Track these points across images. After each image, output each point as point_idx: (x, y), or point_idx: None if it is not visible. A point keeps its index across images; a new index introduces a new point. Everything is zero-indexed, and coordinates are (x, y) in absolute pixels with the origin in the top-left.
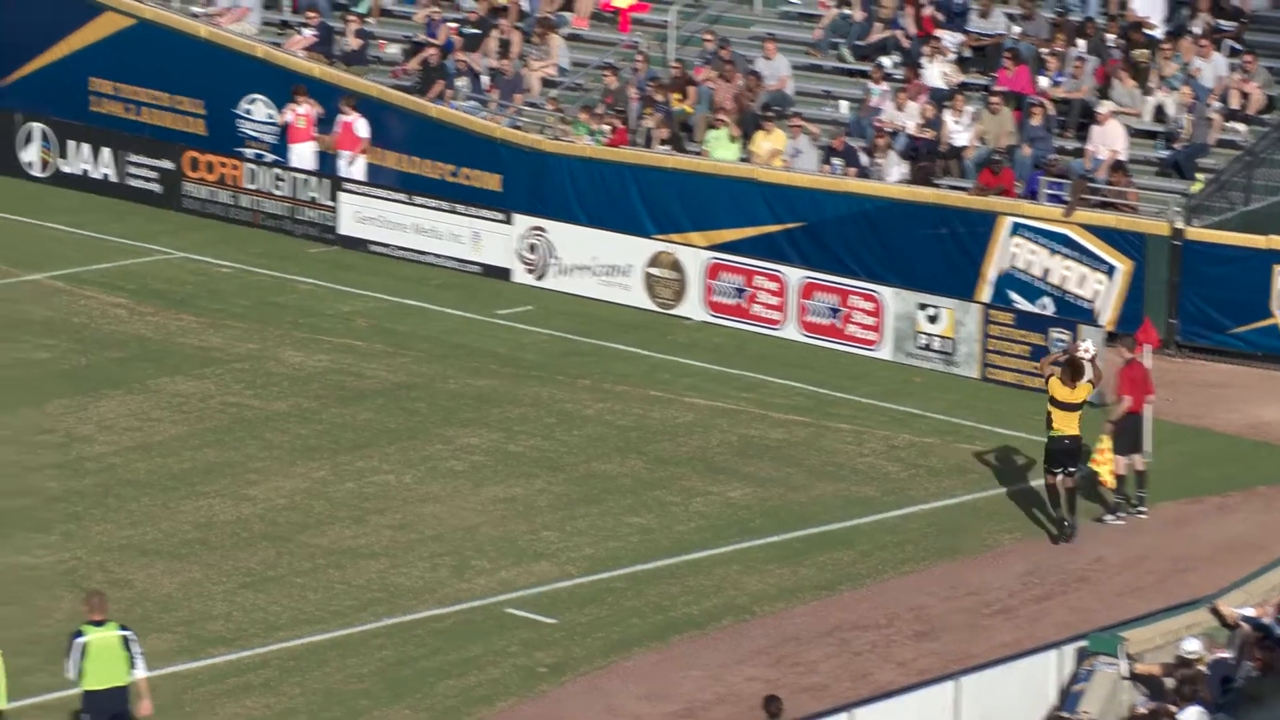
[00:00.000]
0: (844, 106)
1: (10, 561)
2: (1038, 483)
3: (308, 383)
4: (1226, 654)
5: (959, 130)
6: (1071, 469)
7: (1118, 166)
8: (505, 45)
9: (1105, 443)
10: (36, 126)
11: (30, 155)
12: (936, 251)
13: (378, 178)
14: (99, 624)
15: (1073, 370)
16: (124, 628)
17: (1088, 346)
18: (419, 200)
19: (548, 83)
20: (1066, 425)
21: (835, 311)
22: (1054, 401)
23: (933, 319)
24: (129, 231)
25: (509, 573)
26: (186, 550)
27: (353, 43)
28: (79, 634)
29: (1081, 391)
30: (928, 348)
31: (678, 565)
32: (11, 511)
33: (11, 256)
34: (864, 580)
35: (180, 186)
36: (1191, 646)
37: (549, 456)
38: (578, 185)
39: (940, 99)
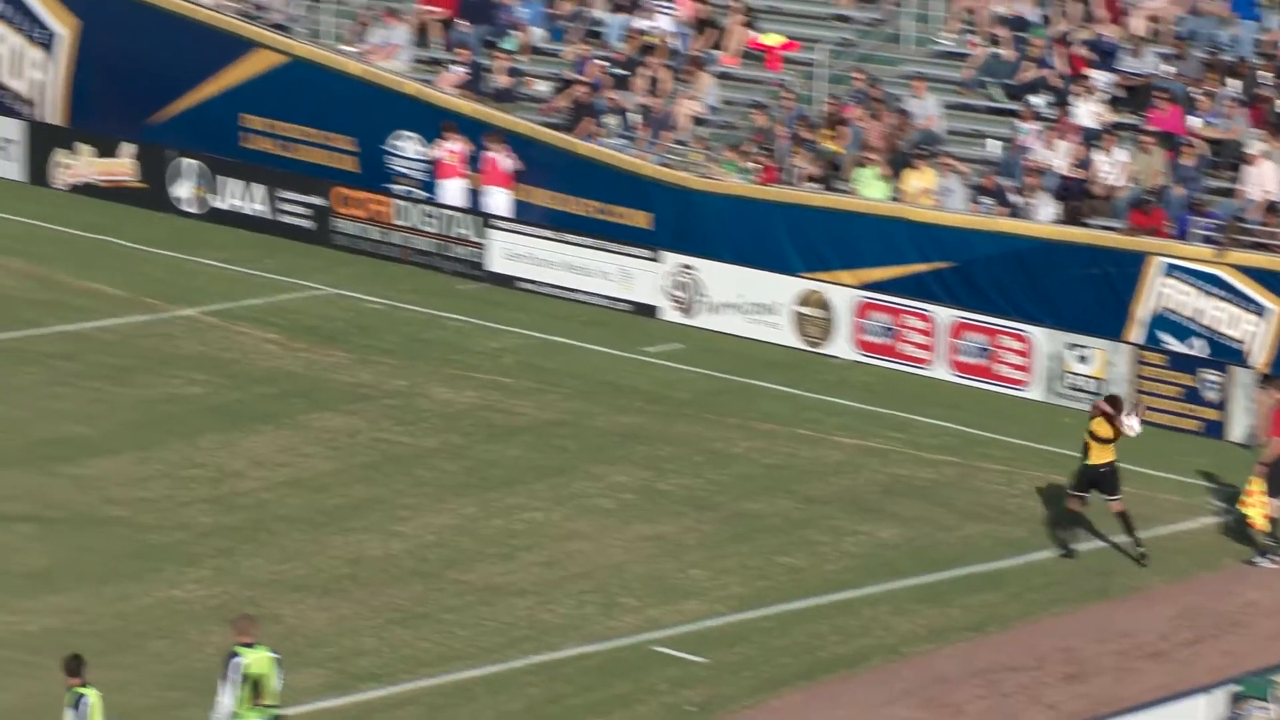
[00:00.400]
0: (994, 146)
1: (162, 595)
2: (1188, 525)
3: (457, 419)
4: None
5: (1109, 170)
6: (1115, 495)
7: (1270, 207)
8: (654, 83)
9: (1256, 484)
10: (189, 163)
11: (183, 191)
12: (1087, 291)
13: (526, 215)
14: (250, 646)
15: (1114, 408)
16: (273, 651)
17: (1133, 425)
18: (567, 237)
19: (697, 120)
20: (1103, 455)
21: (985, 351)
22: (1094, 436)
23: (1083, 359)
24: (280, 267)
25: (657, 611)
26: (336, 586)
27: (502, 80)
28: (235, 655)
29: (1118, 429)
30: (1078, 388)
31: (826, 605)
32: (163, 545)
33: (164, 292)
34: (1013, 622)
35: (331, 222)
36: None
37: (697, 495)
38: (726, 223)
39: (1091, 139)
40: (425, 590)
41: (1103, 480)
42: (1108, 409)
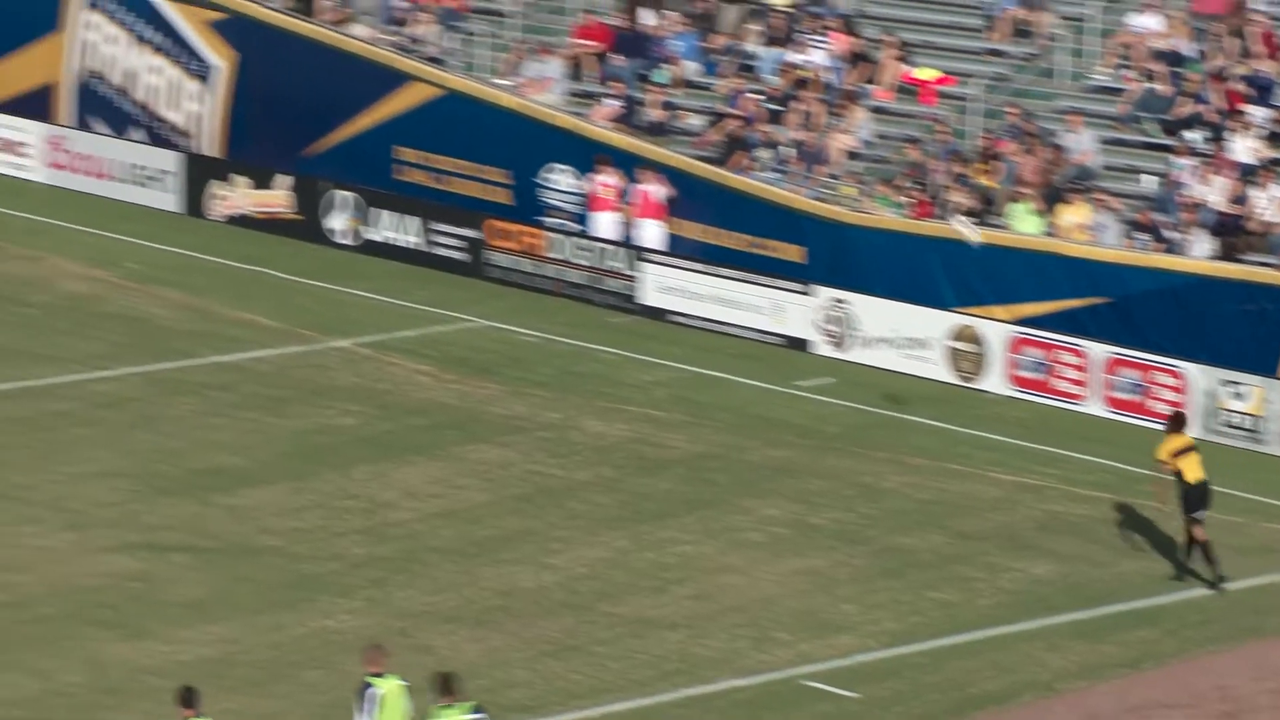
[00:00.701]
0: (1149, 181)
1: (315, 626)
2: None
3: (609, 452)
4: None
5: (1266, 206)
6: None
7: None
8: (808, 117)
9: None
10: (344, 195)
11: (337, 223)
12: (1242, 327)
13: (679, 248)
14: (380, 675)
15: (1178, 422)
16: (402, 679)
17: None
18: (720, 270)
19: (850, 155)
20: (1200, 469)
21: (1139, 387)
22: (1179, 452)
23: (1239, 396)
24: (433, 299)
25: (809, 645)
26: (488, 617)
27: (655, 113)
28: (369, 685)
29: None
30: (1233, 425)
31: (979, 641)
32: (317, 576)
33: (319, 323)
34: (1168, 659)
35: (484, 255)
36: None
37: (849, 529)
38: (879, 257)
39: (1247, 174)
40: (577, 622)
41: (1206, 496)
42: (1175, 423)
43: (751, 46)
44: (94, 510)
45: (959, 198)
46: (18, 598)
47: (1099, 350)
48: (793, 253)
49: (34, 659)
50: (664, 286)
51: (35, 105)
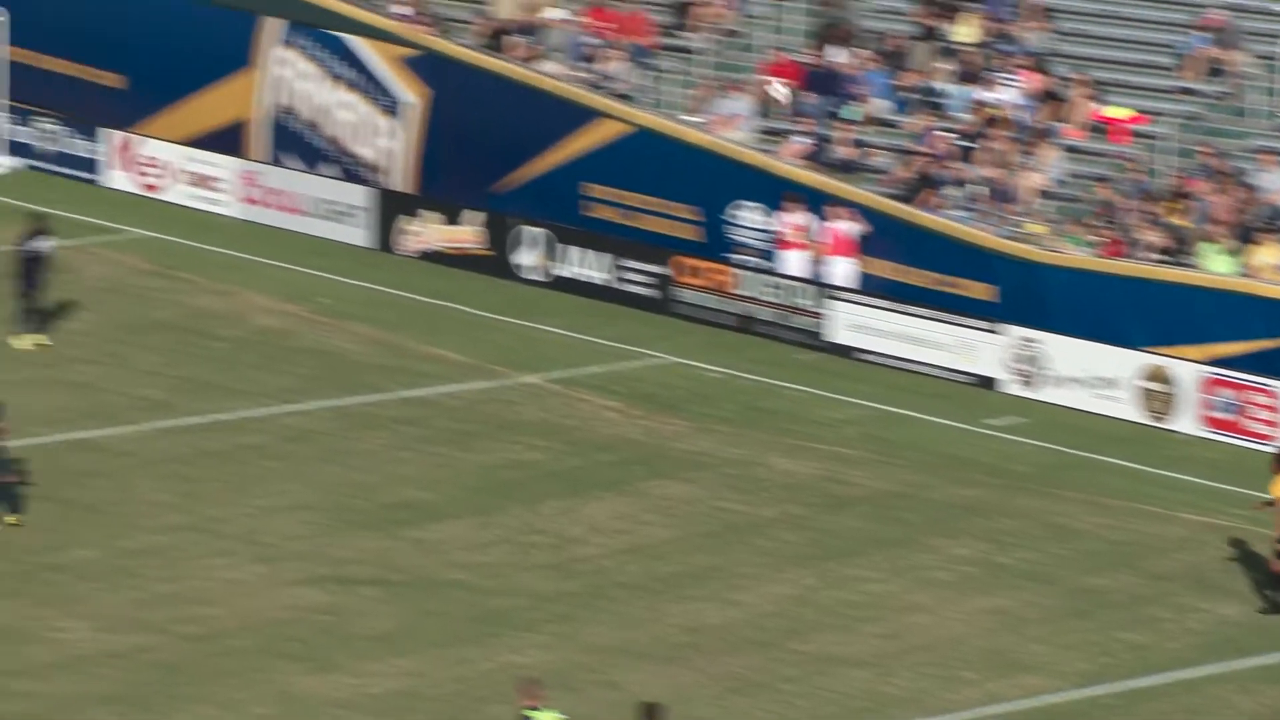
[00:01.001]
0: None
1: (502, 661)
2: None
3: (796, 489)
4: None
5: None
6: None
7: None
8: (998, 155)
9: None
10: (533, 230)
11: (525, 259)
12: None
13: (868, 285)
14: (536, 709)
15: None
16: (560, 713)
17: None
18: (908, 308)
19: (1040, 193)
20: None
21: None
22: None
23: None
24: (621, 335)
25: (997, 685)
26: (675, 654)
27: (845, 150)
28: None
29: None
30: None
31: (1170, 683)
32: (504, 610)
33: (507, 358)
34: None
35: (672, 291)
36: None
37: (1039, 569)
38: (1069, 296)
39: None
40: (764, 660)
41: None
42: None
43: (941, 84)
44: (284, 543)
45: (1150, 236)
46: (209, 630)
47: None
48: (982, 291)
49: (224, 691)
50: (852, 324)
51: (228, 141)
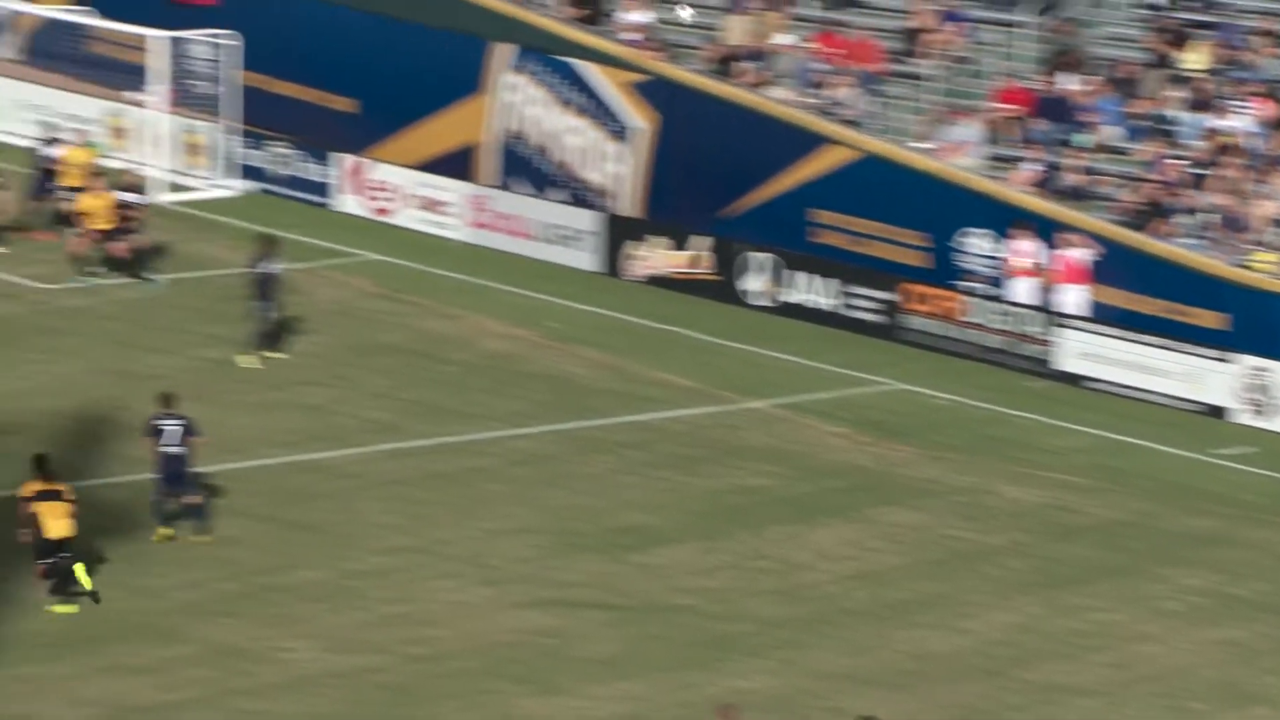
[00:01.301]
0: None
1: (728, 686)
2: None
3: (1023, 517)
4: None
5: None
6: None
7: None
8: (1230, 183)
9: None
10: (760, 256)
11: (752, 284)
12: None
13: (1098, 313)
14: None
15: None
16: None
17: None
18: (1138, 336)
19: (1274, 222)
20: None
21: None
22: None
23: None
24: (848, 361)
25: (1226, 716)
26: (902, 681)
27: (1074, 178)
28: None
29: None
30: None
31: None
32: (729, 635)
33: (734, 384)
34: None
35: (899, 318)
36: None
37: (1272, 600)
38: None
39: None
40: (990, 688)
41: None
42: None
43: (1173, 111)
44: (509, 566)
45: None
46: (434, 651)
47: None
48: (1213, 320)
49: (449, 713)
50: (1082, 352)
51: (457, 165)
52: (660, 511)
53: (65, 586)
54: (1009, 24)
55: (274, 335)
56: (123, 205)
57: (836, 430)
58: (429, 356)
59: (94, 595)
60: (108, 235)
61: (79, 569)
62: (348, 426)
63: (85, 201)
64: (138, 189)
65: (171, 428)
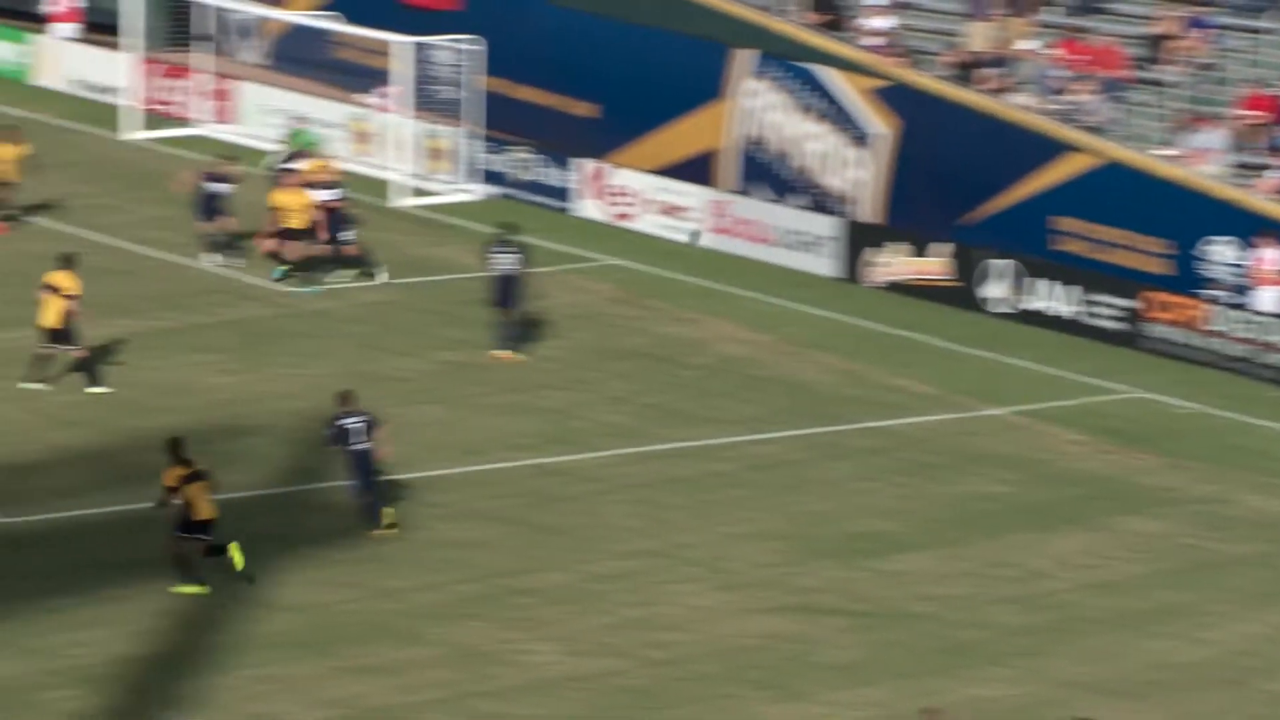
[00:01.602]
0: None
1: (968, 694)
2: None
3: (1268, 527)
4: None
5: None
6: None
7: None
8: None
9: None
10: (1001, 263)
11: (993, 291)
12: None
13: None
14: None
15: None
16: None
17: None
18: None
19: None
20: None
21: None
22: None
23: None
24: (1089, 369)
25: None
26: (1143, 691)
27: None
28: None
29: None
30: None
31: None
32: (969, 643)
33: (973, 390)
34: None
35: (1141, 326)
36: None
37: None
38: None
39: None
40: (1232, 699)
41: None
42: None
43: None
44: (749, 570)
45: None
46: (675, 655)
47: None
48: None
49: (690, 717)
50: None
51: (698, 170)
52: (899, 518)
53: (195, 570)
54: (1255, 30)
55: (515, 338)
56: (322, 205)
57: (1076, 438)
58: (668, 361)
59: (249, 576)
60: (296, 234)
61: (234, 548)
62: (587, 430)
63: (279, 198)
64: (335, 186)
65: (356, 425)
